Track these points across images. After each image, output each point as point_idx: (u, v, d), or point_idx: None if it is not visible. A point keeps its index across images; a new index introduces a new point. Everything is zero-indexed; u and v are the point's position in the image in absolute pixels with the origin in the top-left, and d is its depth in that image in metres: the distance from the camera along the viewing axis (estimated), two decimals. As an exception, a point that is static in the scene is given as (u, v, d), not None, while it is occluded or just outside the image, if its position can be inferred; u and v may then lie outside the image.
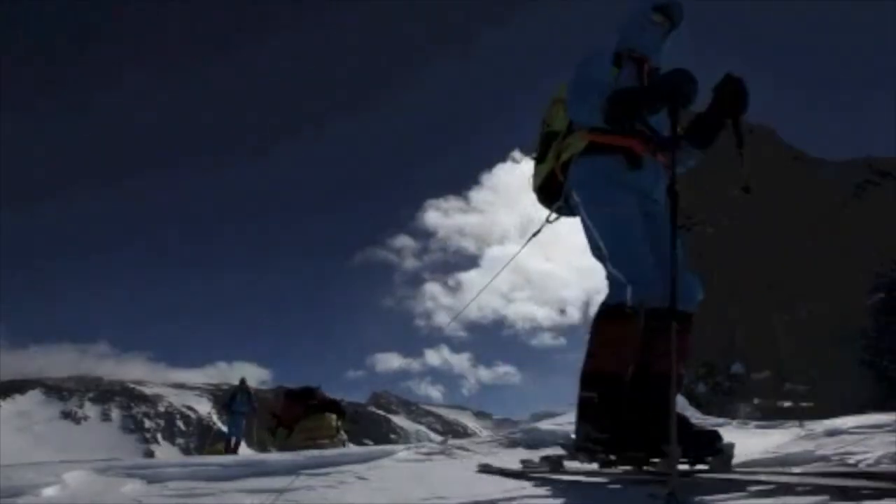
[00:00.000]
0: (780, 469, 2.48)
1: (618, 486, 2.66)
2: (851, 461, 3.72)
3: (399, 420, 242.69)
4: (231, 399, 12.43)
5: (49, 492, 3.01)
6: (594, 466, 2.86)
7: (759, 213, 57.15)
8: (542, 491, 3.36)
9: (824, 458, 3.94)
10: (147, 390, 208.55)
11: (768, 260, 53.10)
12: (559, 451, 3.24)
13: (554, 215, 2.99)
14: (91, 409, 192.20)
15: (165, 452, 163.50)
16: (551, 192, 2.84)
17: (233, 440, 12.06)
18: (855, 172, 59.54)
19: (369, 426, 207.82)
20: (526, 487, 3.40)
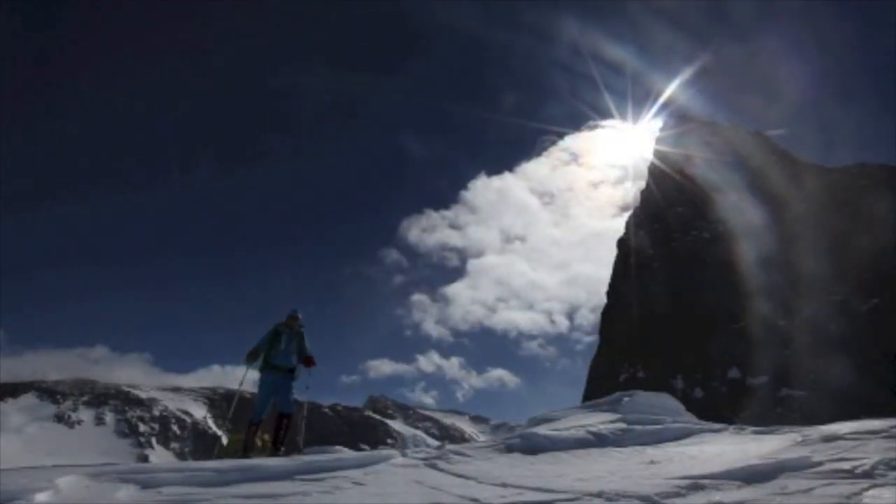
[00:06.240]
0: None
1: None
2: (847, 467, 3.70)
3: (396, 425, 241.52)
4: (270, 343, 6.76)
5: (41, 497, 2.98)
6: None
7: (759, 216, 57.30)
8: (539, 495, 3.34)
9: (820, 464, 3.93)
10: (142, 394, 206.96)
11: (766, 261, 53.19)
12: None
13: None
14: (85, 413, 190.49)
15: (160, 457, 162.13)
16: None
17: (261, 418, 6.51)
18: (849, 177, 59.90)
19: (366, 431, 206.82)
20: (524, 493, 3.38)
